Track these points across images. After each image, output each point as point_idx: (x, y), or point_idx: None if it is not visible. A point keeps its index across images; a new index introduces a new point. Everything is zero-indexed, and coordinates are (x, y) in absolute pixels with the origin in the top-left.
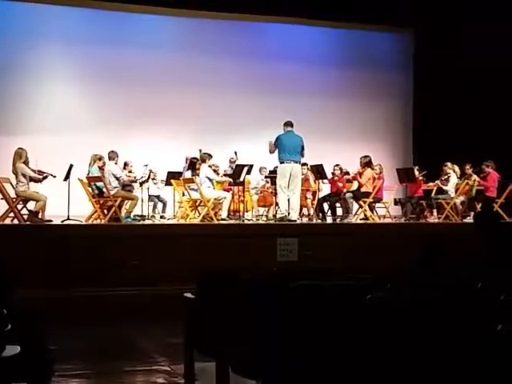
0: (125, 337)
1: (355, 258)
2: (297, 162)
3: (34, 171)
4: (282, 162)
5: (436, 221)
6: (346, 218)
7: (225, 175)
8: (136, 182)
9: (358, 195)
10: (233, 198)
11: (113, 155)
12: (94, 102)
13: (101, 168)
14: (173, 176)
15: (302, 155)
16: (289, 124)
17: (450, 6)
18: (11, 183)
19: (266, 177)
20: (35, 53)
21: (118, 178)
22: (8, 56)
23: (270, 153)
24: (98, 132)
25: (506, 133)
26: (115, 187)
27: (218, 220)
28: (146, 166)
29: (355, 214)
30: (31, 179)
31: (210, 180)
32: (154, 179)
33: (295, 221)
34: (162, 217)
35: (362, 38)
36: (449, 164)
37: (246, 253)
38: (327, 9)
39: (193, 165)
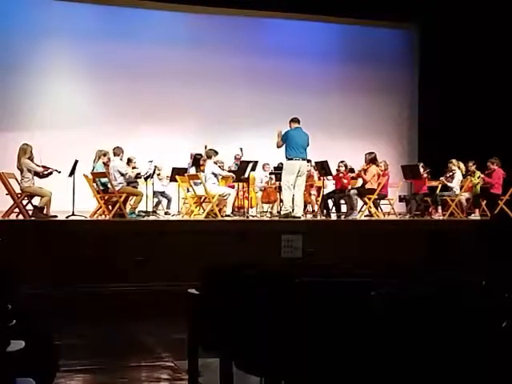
0: (129, 333)
1: (359, 254)
2: (304, 159)
3: (38, 166)
4: (290, 159)
5: (441, 218)
6: (350, 215)
7: (230, 172)
8: (140, 177)
9: (363, 192)
10: (237, 194)
11: (118, 151)
12: (100, 97)
13: (105, 164)
14: (177, 172)
15: None
16: (296, 121)
17: (454, 1)
18: (16, 179)
19: (270, 173)
20: (41, 49)
21: (123, 174)
22: (14, 53)
23: (278, 147)
24: (104, 128)
25: None
26: (120, 183)
27: (222, 216)
28: (151, 161)
29: (360, 210)
30: (36, 174)
31: (216, 176)
32: (158, 175)
33: (299, 217)
34: (166, 213)
35: (367, 34)
36: (454, 161)
37: (251, 249)
38: (332, 4)
39: (197, 161)
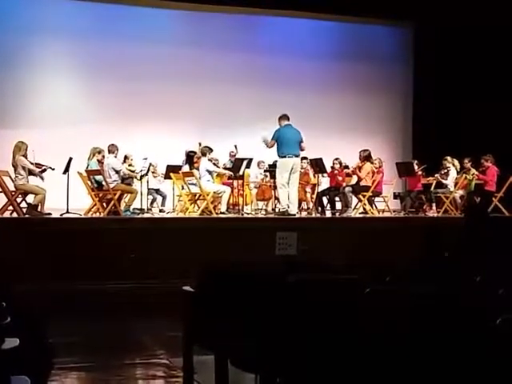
0: (124, 330)
1: (354, 251)
2: (297, 156)
3: (32, 164)
4: (283, 157)
5: (435, 215)
6: (345, 212)
7: (224, 169)
8: (136, 175)
9: (358, 189)
10: (232, 191)
11: (112, 148)
12: (95, 95)
13: (100, 161)
14: (172, 169)
15: (302, 149)
16: (285, 118)
17: None
18: (10, 176)
19: (265, 171)
20: (37, 46)
21: (117, 172)
22: (10, 50)
23: (269, 147)
24: (98, 125)
25: (506, 127)
26: (114, 180)
27: (217, 214)
28: (146, 159)
29: (354, 207)
30: (30, 173)
31: (210, 173)
32: (153, 173)
33: (294, 215)
34: (161, 210)
35: (362, 31)
36: (448, 158)
37: (245, 247)
38: (327, 2)
39: (190, 158)
